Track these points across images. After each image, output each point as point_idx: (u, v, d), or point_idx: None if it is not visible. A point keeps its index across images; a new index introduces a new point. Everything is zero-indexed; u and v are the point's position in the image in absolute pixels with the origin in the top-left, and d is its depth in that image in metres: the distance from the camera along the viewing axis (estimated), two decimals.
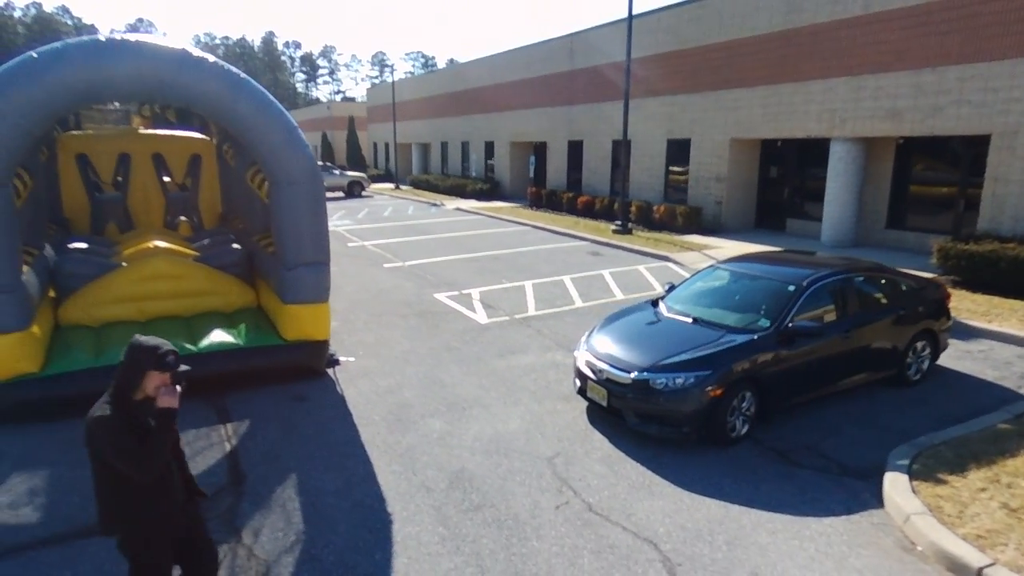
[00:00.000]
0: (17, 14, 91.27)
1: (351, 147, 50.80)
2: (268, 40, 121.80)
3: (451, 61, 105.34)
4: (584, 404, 6.80)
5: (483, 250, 16.51)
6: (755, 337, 6.05)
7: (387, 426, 6.33)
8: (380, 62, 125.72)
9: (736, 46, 17.43)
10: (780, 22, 16.17)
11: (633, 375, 5.88)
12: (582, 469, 5.52)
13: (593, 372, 6.29)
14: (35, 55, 5.65)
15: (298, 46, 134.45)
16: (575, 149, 25.29)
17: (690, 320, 6.64)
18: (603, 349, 6.40)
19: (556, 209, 24.47)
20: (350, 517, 4.77)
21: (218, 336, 7.13)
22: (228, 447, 5.88)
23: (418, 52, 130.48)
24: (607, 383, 6.09)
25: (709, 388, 5.67)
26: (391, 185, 39.86)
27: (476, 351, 8.58)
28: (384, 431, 6.22)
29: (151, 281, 7.67)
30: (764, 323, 6.24)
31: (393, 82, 40.06)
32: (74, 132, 10.67)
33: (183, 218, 11.19)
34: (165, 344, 2.98)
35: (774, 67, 16.44)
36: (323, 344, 7.51)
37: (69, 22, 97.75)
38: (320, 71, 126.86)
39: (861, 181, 15.41)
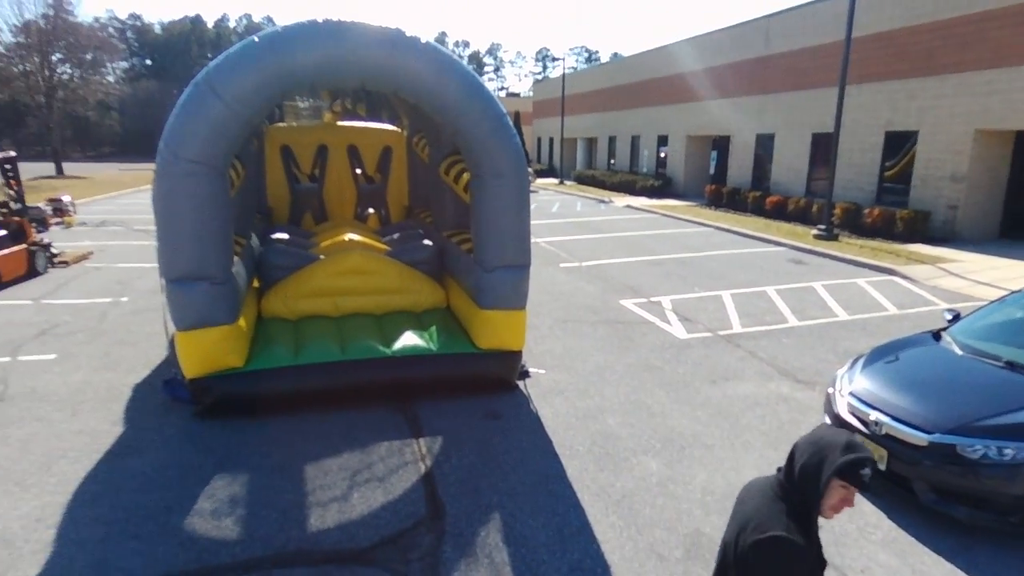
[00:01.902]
0: (232, 24, 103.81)
1: None
2: (440, 40, 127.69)
3: (615, 55, 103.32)
4: None
5: (665, 252, 15.18)
6: None
7: (594, 461, 5.42)
8: (544, 57, 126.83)
9: (993, 17, 14.40)
10: None
11: (933, 436, 4.43)
12: (861, 555, 4.21)
13: (862, 423, 4.90)
14: (257, 39, 5.42)
15: (466, 45, 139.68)
16: (764, 143, 22.90)
17: (1001, 364, 5.00)
18: (875, 393, 4.98)
19: (739, 209, 22.34)
20: None
21: (410, 339, 6.66)
22: (423, 468, 5.30)
23: (582, 47, 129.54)
24: (886, 440, 4.69)
25: None
26: (555, 180, 39.40)
27: (681, 373, 7.43)
28: (592, 467, 5.31)
29: (346, 276, 7.44)
30: None
31: (564, 75, 39.48)
32: (279, 124, 11.01)
33: (371, 210, 11.18)
34: (862, 448, 1.98)
35: None
36: (517, 355, 6.80)
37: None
38: (486, 68, 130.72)
39: None
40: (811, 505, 1.97)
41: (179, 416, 6.11)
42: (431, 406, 6.44)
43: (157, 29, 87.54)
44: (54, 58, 38.37)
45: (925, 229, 15.75)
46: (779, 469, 2.12)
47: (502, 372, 6.77)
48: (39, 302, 10.03)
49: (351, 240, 8.42)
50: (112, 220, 20.24)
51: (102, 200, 25.73)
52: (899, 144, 17.26)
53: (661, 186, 28.44)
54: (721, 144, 26.03)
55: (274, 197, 10.52)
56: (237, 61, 5.34)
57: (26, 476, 5.01)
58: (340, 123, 11.23)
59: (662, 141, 30.37)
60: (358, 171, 10.97)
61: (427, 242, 8.27)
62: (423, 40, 5.80)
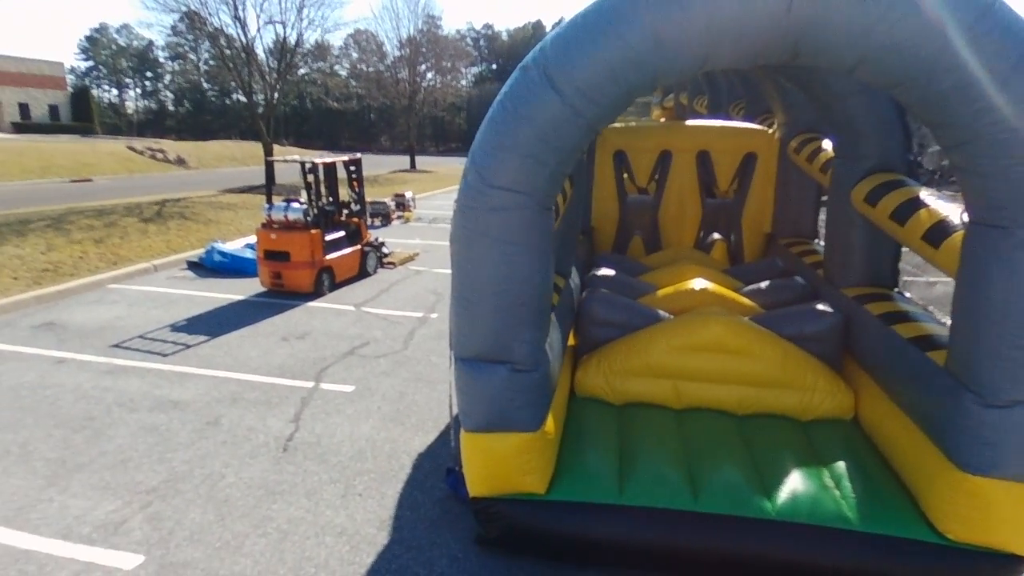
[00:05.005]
0: None
1: None
2: None
3: None
4: None
5: None
6: None
7: None
8: None
9: None
10: None
11: None
12: None
13: None
14: None
15: None
16: None
17: None
18: None
19: None
20: None
21: (807, 490, 3.94)
22: None
23: None
24: None
25: None
26: None
27: None
28: None
29: (699, 353, 5.01)
30: None
31: None
32: (615, 125, 9.02)
33: (717, 236, 8.55)
34: None
35: None
36: (1020, 562, 3.59)
37: None
38: None
39: None
40: None
41: (457, 535, 4.44)
42: None
43: (504, 36, 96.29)
44: (422, 67, 43.77)
45: None
46: None
47: None
48: (359, 309, 9.82)
49: (703, 291, 5.94)
50: (443, 216, 21.22)
51: (440, 195, 27.77)
52: None
53: None
54: None
55: (600, 215, 8.61)
56: (586, 33, 3.25)
57: None
58: (692, 123, 8.82)
59: None
60: (708, 185, 8.43)
61: (822, 307, 5.35)
62: None
